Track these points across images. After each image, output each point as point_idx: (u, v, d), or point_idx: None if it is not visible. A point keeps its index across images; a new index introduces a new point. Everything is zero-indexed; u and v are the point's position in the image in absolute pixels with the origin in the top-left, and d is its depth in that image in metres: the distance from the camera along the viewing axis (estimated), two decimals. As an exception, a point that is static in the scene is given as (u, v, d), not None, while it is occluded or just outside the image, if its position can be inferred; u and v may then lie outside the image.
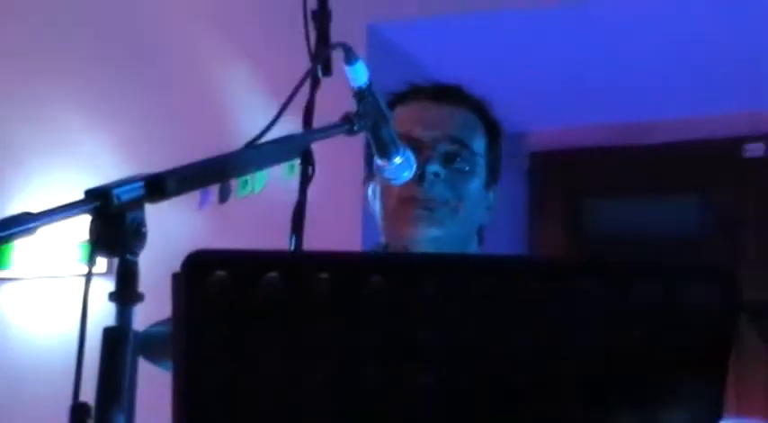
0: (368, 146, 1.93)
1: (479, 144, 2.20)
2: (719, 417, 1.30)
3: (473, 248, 2.21)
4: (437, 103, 2.19)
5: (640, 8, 3.98)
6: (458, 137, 2.15)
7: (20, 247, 2.96)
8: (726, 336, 1.31)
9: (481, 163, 2.19)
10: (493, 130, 2.26)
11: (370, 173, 2.19)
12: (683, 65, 4.32)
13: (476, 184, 2.18)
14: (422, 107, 2.18)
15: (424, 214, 2.08)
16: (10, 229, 1.31)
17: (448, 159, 2.12)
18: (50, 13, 4.38)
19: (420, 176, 2.00)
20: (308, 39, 1.76)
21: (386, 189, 2.13)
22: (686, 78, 4.43)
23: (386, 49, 3.68)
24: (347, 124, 1.67)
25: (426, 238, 2.09)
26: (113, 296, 1.30)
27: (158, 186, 1.37)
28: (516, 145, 4.86)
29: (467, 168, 2.15)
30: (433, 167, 2.04)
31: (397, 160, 1.82)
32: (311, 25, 1.77)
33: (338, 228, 2.80)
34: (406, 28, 3.94)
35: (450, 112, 2.19)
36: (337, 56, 1.72)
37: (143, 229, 1.34)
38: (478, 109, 2.25)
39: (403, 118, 2.03)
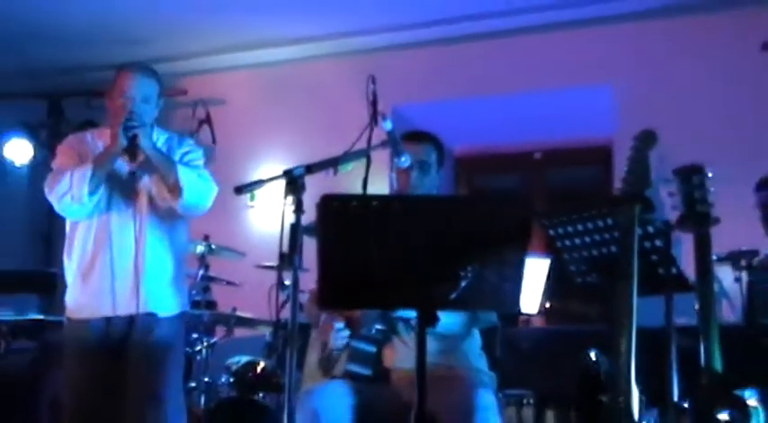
0: (391, 155, 3.77)
1: (433, 158, 4.01)
2: (525, 255, 2.94)
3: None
4: (417, 141, 3.99)
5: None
6: (423, 157, 3.95)
7: (258, 193, 4.35)
8: (526, 226, 2.95)
9: (434, 165, 4.00)
10: (440, 149, 4.07)
11: (392, 166, 3.95)
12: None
13: (432, 173, 3.98)
14: (410, 142, 3.92)
15: (409, 186, 3.90)
16: (254, 185, 3.16)
17: (421, 163, 3.92)
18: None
19: (409, 168, 3.83)
20: (374, 104, 3.70)
21: (397, 172, 3.94)
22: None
23: (399, 115, 5.82)
24: (386, 143, 3.59)
25: (413, 192, 3.90)
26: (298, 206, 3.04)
27: (307, 168, 3.15)
28: (450, 154, 7.35)
29: (428, 167, 3.96)
30: (408, 161, 3.77)
31: (403, 159, 3.68)
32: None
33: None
34: (412, 106, 6.28)
35: (420, 145, 3.99)
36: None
37: (303, 183, 3.08)
38: (433, 141, 4.06)
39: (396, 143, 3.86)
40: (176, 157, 4.06)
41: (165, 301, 4.04)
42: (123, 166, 3.99)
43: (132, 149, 3.86)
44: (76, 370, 4.03)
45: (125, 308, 3.95)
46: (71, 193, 3.88)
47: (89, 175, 3.86)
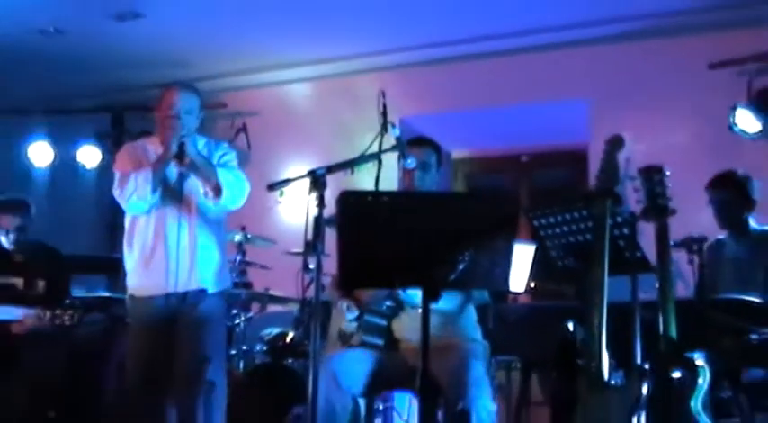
0: (399, 158, 3.78)
1: (433, 159, 3.99)
2: (513, 242, 3.00)
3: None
4: (419, 145, 3.98)
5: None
6: (425, 159, 3.94)
7: (287, 190, 4.25)
8: (514, 218, 3.02)
9: (434, 166, 3.98)
10: (439, 152, 4.06)
11: (400, 167, 3.94)
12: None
13: (432, 172, 3.96)
14: (414, 146, 3.92)
15: (413, 184, 3.88)
16: (283, 184, 3.18)
17: (423, 164, 3.90)
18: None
19: (414, 168, 3.82)
20: (384, 115, 3.70)
21: (404, 172, 3.92)
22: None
23: (406, 124, 5.74)
24: (394, 148, 3.57)
25: (417, 188, 3.88)
26: (320, 201, 3.06)
27: (328, 169, 3.16)
28: (448, 157, 7.18)
29: (430, 166, 3.94)
30: (413, 163, 3.80)
31: (409, 161, 3.69)
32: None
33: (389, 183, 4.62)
34: (416, 117, 6.29)
35: (422, 149, 3.97)
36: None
37: (325, 181, 3.11)
38: (433, 146, 4.05)
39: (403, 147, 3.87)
40: (215, 159, 4.11)
41: (212, 279, 4.07)
42: (173, 168, 4.02)
43: (181, 155, 3.93)
44: (139, 338, 4.09)
45: (182, 286, 3.99)
46: (137, 194, 3.95)
47: (150, 178, 3.93)
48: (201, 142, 4.17)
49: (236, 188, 4.03)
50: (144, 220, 4.06)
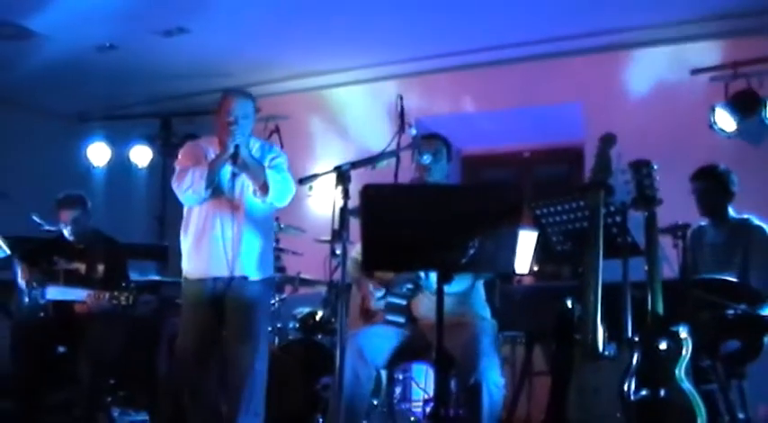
0: (413, 154, 3.80)
1: (443, 151, 3.96)
2: (518, 229, 2.97)
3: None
4: (431, 139, 3.96)
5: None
6: (437, 152, 3.91)
7: (315, 184, 4.15)
8: (519, 207, 3.00)
9: (444, 157, 3.95)
10: (449, 147, 4.03)
11: (414, 162, 3.93)
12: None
13: (442, 163, 3.93)
14: (427, 140, 3.93)
15: (426, 173, 3.86)
16: (312, 178, 3.19)
17: (434, 152, 3.87)
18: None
19: (424, 161, 3.79)
20: (401, 117, 3.70)
21: (418, 167, 3.89)
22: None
23: (421, 124, 5.61)
24: (411, 145, 3.57)
25: (429, 176, 3.87)
26: (345, 194, 3.03)
27: (352, 164, 3.14)
28: (459, 154, 7.14)
29: (440, 159, 3.90)
30: (429, 159, 3.81)
31: (424, 157, 3.68)
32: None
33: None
34: (430, 118, 6.19)
35: (432, 143, 3.94)
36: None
37: (349, 176, 3.07)
38: (443, 140, 4.02)
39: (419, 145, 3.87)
40: (266, 160, 4.08)
41: (254, 268, 4.03)
42: (228, 167, 4.00)
43: (235, 156, 3.91)
44: (189, 316, 4.07)
45: (226, 272, 3.96)
46: (192, 188, 3.95)
47: (206, 175, 3.93)
48: (257, 144, 4.16)
49: (282, 188, 4.00)
50: (198, 210, 4.05)
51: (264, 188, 3.94)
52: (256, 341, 3.98)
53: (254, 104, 4.11)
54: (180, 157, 4.20)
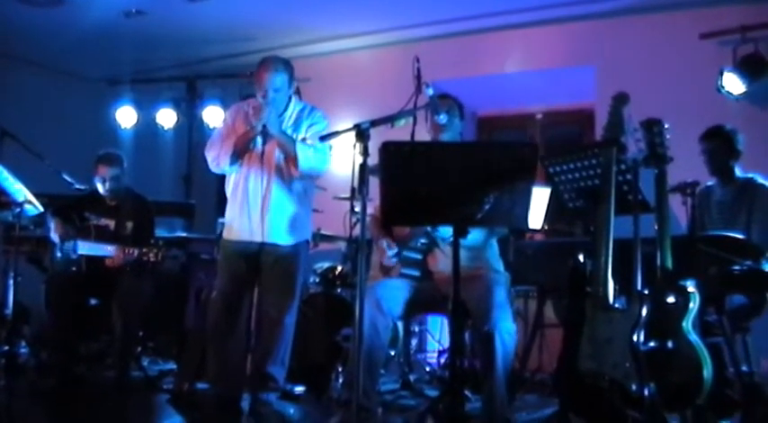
0: (429, 114, 3.74)
1: (456, 112, 3.91)
2: (531, 185, 2.95)
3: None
4: (442, 101, 3.81)
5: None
6: (450, 110, 3.82)
7: (335, 142, 3.82)
8: (533, 164, 2.95)
9: (457, 117, 3.90)
10: (460, 107, 3.98)
11: (429, 121, 3.86)
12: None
13: (456, 122, 3.88)
14: (440, 100, 3.77)
15: (441, 131, 3.80)
16: (333, 135, 3.18)
17: (448, 110, 3.78)
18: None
19: (441, 120, 3.69)
20: (418, 78, 3.64)
21: (433, 126, 3.83)
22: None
23: (436, 87, 5.88)
24: (428, 106, 3.51)
25: (444, 138, 3.82)
26: (365, 151, 2.97)
27: (371, 123, 3.05)
28: (474, 115, 7.15)
29: (454, 117, 3.85)
30: (445, 119, 3.70)
31: (441, 117, 3.62)
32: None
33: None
34: (446, 81, 6.13)
35: (446, 103, 3.86)
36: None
37: (369, 134, 2.99)
38: (456, 101, 3.96)
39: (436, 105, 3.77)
40: (303, 127, 4.03)
41: (285, 233, 4.01)
42: (259, 140, 3.98)
43: (264, 131, 3.90)
44: (223, 274, 4.06)
45: (257, 237, 3.97)
46: (218, 161, 4.00)
47: (231, 152, 3.95)
48: (298, 107, 4.12)
49: (313, 161, 3.93)
50: (235, 176, 4.06)
51: (294, 161, 3.90)
52: (288, 297, 3.99)
53: (291, 73, 4.04)
54: (223, 122, 4.23)
